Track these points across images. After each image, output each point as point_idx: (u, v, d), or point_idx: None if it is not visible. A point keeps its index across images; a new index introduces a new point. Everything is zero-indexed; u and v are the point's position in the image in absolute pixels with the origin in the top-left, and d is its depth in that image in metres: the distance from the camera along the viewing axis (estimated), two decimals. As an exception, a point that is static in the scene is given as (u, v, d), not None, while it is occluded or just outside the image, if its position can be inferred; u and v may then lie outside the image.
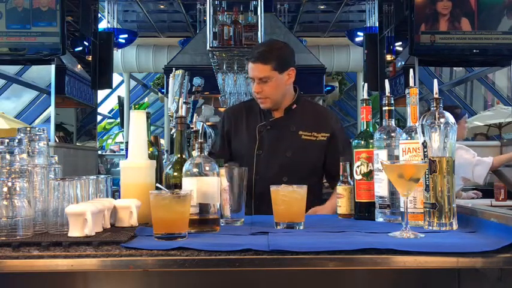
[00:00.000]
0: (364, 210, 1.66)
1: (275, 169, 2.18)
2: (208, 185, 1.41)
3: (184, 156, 1.52)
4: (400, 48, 7.06)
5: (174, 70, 2.42)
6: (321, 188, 2.40)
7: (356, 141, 1.69)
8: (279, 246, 1.13)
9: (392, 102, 1.65)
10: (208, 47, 5.53)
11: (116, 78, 10.74)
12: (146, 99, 15.92)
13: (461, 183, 3.81)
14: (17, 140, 1.36)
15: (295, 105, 2.28)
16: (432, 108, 1.39)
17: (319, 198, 2.27)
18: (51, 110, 6.18)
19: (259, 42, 5.13)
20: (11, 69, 7.68)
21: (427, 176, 1.37)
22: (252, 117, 2.31)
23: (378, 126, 2.17)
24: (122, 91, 12.37)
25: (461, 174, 3.67)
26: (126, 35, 9.62)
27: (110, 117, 14.59)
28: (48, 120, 7.82)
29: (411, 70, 1.76)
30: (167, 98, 5.17)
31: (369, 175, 1.64)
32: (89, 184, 1.43)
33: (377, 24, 7.72)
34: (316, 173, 2.28)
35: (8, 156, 1.30)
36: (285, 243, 1.16)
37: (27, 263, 1.10)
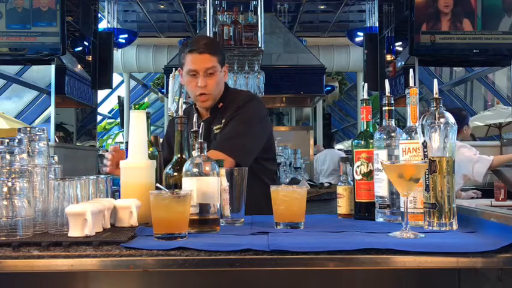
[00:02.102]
0: (364, 210, 1.65)
1: None
2: (208, 185, 1.41)
3: (184, 156, 1.52)
4: (400, 48, 7.06)
5: (174, 70, 2.42)
6: (272, 170, 2.28)
7: (356, 141, 1.69)
8: (279, 246, 1.13)
9: (392, 102, 1.64)
10: (208, 47, 5.53)
11: (116, 78, 10.75)
12: (146, 99, 15.92)
13: (461, 182, 3.82)
14: (17, 140, 1.36)
15: (221, 104, 2.19)
16: (432, 108, 1.39)
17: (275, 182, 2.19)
18: (51, 110, 6.18)
19: (259, 42, 5.12)
20: (11, 69, 7.68)
21: (427, 176, 1.37)
22: (189, 124, 2.20)
23: (378, 126, 2.18)
24: (122, 91, 12.38)
25: (462, 171, 3.68)
26: (126, 35, 9.62)
27: (110, 117, 14.60)
28: (48, 120, 7.82)
29: (411, 70, 1.76)
30: (167, 98, 5.17)
31: (369, 175, 1.64)
32: (89, 184, 1.43)
33: (377, 24, 7.73)
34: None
35: (8, 156, 1.30)
36: (285, 243, 1.16)
37: (27, 263, 1.10)
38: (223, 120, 2.14)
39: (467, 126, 4.12)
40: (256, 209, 1.74)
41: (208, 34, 5.56)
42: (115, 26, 9.07)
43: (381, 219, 1.58)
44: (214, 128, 2.15)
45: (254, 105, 2.18)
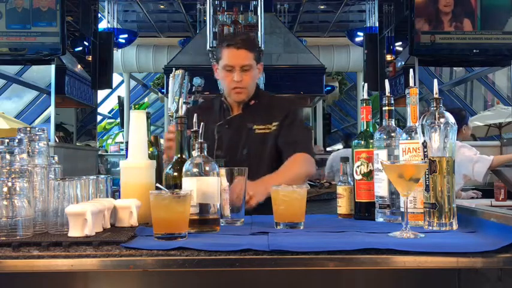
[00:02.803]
0: (364, 210, 1.65)
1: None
2: (208, 185, 1.41)
3: (184, 156, 1.52)
4: (400, 48, 7.06)
5: (174, 70, 2.42)
6: None
7: (356, 141, 1.69)
8: (279, 246, 1.13)
9: (392, 102, 1.64)
10: (208, 47, 5.54)
11: (116, 78, 10.75)
12: (146, 99, 15.92)
13: (462, 182, 3.82)
14: (17, 140, 1.36)
15: (253, 101, 2.23)
16: (432, 108, 1.39)
17: None
18: (51, 110, 6.19)
19: (259, 42, 5.12)
20: (11, 69, 7.68)
21: (427, 176, 1.37)
22: (211, 117, 2.23)
23: (378, 126, 2.18)
24: (122, 91, 12.38)
25: (462, 171, 3.68)
26: (126, 35, 9.63)
27: (110, 117, 14.60)
28: (48, 120, 7.82)
29: (411, 70, 1.76)
30: (167, 98, 5.17)
31: (369, 175, 1.64)
32: (89, 184, 1.43)
33: (377, 24, 7.74)
34: (277, 166, 2.13)
35: (8, 156, 1.30)
36: (285, 243, 1.16)
37: (27, 263, 1.10)
38: (274, 123, 2.17)
39: (467, 126, 4.12)
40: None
41: (208, 34, 5.57)
42: (115, 26, 9.08)
43: (381, 219, 1.58)
44: (256, 127, 2.18)
45: (299, 109, 2.39)
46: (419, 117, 1.43)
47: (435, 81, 1.45)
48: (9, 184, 1.26)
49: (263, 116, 2.20)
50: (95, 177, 1.50)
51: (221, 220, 1.50)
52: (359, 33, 8.98)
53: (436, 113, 1.37)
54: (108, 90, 10.54)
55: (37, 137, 1.44)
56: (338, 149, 7.17)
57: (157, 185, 1.51)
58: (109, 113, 14.71)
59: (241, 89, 2.15)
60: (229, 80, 2.16)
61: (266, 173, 2.02)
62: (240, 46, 2.12)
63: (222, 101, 2.27)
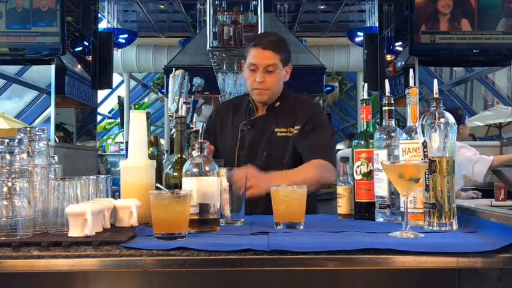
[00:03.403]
0: (364, 210, 1.65)
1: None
2: (208, 185, 1.41)
3: (184, 156, 1.52)
4: (400, 48, 7.06)
5: (174, 70, 2.42)
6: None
7: (356, 141, 1.69)
8: (279, 246, 1.13)
9: (392, 102, 1.64)
10: (208, 47, 5.54)
11: (116, 78, 10.75)
12: (146, 99, 15.92)
13: (462, 182, 3.82)
14: (17, 140, 1.36)
15: (278, 103, 2.20)
16: (432, 108, 1.39)
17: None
18: (51, 110, 6.19)
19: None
20: (11, 69, 7.68)
21: (427, 176, 1.37)
22: (237, 115, 2.23)
23: (378, 126, 2.17)
24: (122, 91, 12.38)
25: (463, 171, 3.68)
26: (126, 35, 9.62)
27: (110, 117, 14.60)
28: (48, 120, 7.82)
29: (411, 70, 1.76)
30: (167, 98, 5.16)
31: (369, 175, 1.64)
32: (89, 184, 1.43)
33: (377, 24, 7.73)
34: (293, 167, 2.09)
35: (8, 156, 1.30)
36: (285, 243, 1.16)
37: (27, 263, 1.10)
38: (295, 127, 2.13)
39: (464, 126, 4.11)
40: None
41: (208, 34, 5.57)
42: (115, 26, 9.08)
43: (381, 219, 1.58)
44: (278, 130, 2.14)
45: (323, 112, 2.31)
46: (419, 117, 1.43)
47: (435, 81, 1.45)
48: (9, 184, 1.26)
49: (286, 118, 2.16)
50: (95, 177, 1.50)
51: (221, 220, 1.50)
52: (359, 33, 8.98)
53: (436, 113, 1.37)
54: (108, 90, 10.53)
55: (37, 137, 1.44)
56: (338, 149, 7.17)
57: (157, 185, 1.51)
58: (109, 113, 14.71)
59: (263, 90, 2.12)
60: (251, 80, 2.13)
61: None
62: (266, 47, 2.10)
63: (249, 101, 2.24)
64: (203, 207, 1.40)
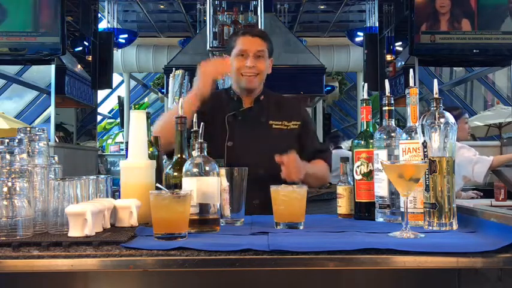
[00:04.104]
0: (364, 210, 1.65)
1: (249, 161, 1.98)
2: (208, 185, 1.41)
3: (184, 156, 1.52)
4: (400, 48, 7.06)
5: (174, 70, 2.42)
6: None
7: (356, 141, 1.69)
8: (279, 246, 1.13)
9: (392, 102, 1.65)
10: (208, 47, 5.53)
11: (116, 78, 10.75)
12: (146, 99, 15.92)
13: (461, 183, 3.81)
14: (17, 140, 1.36)
15: (262, 96, 2.24)
16: (432, 108, 1.39)
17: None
18: (51, 110, 6.18)
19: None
20: (11, 69, 7.67)
21: (427, 176, 1.37)
22: (221, 107, 2.21)
23: (378, 126, 2.18)
24: (122, 91, 12.38)
25: (462, 172, 3.68)
26: (126, 35, 9.62)
27: (110, 117, 14.59)
28: (48, 120, 7.82)
29: (411, 70, 1.76)
30: (167, 98, 5.17)
31: (369, 175, 1.64)
32: (89, 184, 1.43)
33: (377, 24, 7.73)
34: None
35: (8, 156, 1.30)
36: (285, 243, 1.16)
37: (27, 263, 1.10)
38: (294, 122, 2.22)
39: (462, 120, 4.09)
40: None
41: (208, 34, 5.56)
42: (115, 26, 9.07)
43: (381, 219, 1.58)
44: (272, 122, 2.19)
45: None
46: (419, 117, 1.43)
47: (435, 81, 1.45)
48: (9, 184, 1.26)
49: (276, 112, 2.22)
50: (95, 177, 1.50)
51: (221, 220, 1.50)
52: (359, 33, 8.97)
53: (436, 113, 1.37)
54: (108, 90, 10.53)
55: (37, 137, 1.44)
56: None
57: (157, 185, 1.51)
58: (109, 113, 14.70)
59: (254, 75, 2.15)
60: (241, 66, 2.15)
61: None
62: (255, 35, 2.20)
63: (231, 93, 2.25)
64: (203, 207, 1.41)
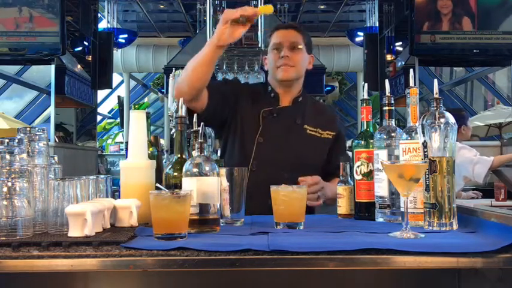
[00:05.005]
0: (364, 210, 1.65)
1: (277, 161, 2.04)
2: (208, 185, 1.41)
3: (184, 156, 1.52)
4: (400, 48, 7.06)
5: (174, 70, 2.42)
6: None
7: (356, 141, 1.69)
8: (279, 246, 1.13)
9: (393, 102, 1.64)
10: (208, 47, 5.52)
11: (116, 78, 10.75)
12: (146, 99, 15.92)
13: (462, 183, 3.82)
14: (17, 140, 1.36)
15: (301, 98, 2.19)
16: (432, 108, 1.39)
17: None
18: (51, 110, 6.18)
19: (259, 42, 5.11)
20: (11, 69, 7.67)
21: (427, 176, 1.37)
22: (257, 101, 2.14)
23: (378, 126, 2.18)
24: (122, 91, 12.37)
25: (463, 172, 3.68)
26: (126, 35, 9.61)
27: (110, 117, 14.60)
28: (48, 120, 7.82)
29: (411, 70, 1.76)
30: (167, 98, 5.16)
31: (369, 175, 1.64)
32: (89, 184, 1.43)
33: (377, 24, 7.73)
34: (318, 171, 2.10)
35: (8, 156, 1.30)
36: (285, 243, 1.16)
37: (27, 263, 1.10)
38: (328, 132, 2.15)
39: (466, 127, 4.12)
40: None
41: (208, 34, 5.57)
42: (115, 26, 9.07)
43: (381, 219, 1.58)
44: (307, 127, 2.14)
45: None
46: (420, 117, 1.43)
47: (435, 81, 1.45)
48: (9, 184, 1.26)
49: (312, 117, 2.17)
50: (95, 177, 1.50)
51: (221, 220, 1.50)
52: (359, 33, 8.97)
53: (436, 113, 1.37)
54: (108, 90, 10.53)
55: (37, 137, 1.44)
56: None
57: (157, 185, 1.51)
58: (109, 113, 14.70)
59: (289, 67, 2.09)
60: (276, 58, 2.11)
61: (309, 174, 1.97)
62: (289, 27, 2.16)
63: (269, 89, 2.19)
64: (203, 207, 1.40)
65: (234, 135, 2.14)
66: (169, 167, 1.53)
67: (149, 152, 1.64)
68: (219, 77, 5.56)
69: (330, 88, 11.66)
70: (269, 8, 1.77)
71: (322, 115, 2.22)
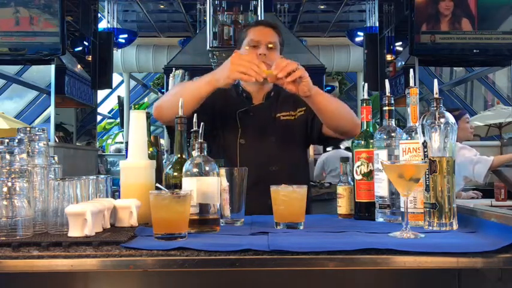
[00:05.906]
0: (364, 210, 1.65)
1: (262, 158, 2.04)
2: (208, 185, 1.41)
3: (184, 156, 1.52)
4: (400, 48, 7.06)
5: (174, 70, 2.42)
6: (309, 173, 2.31)
7: (356, 141, 1.69)
8: (279, 246, 1.13)
9: (393, 102, 1.64)
10: (208, 47, 5.54)
11: (116, 78, 10.76)
12: (146, 99, 15.92)
13: (462, 183, 3.82)
14: (17, 140, 1.36)
15: (272, 92, 2.19)
16: (432, 108, 1.39)
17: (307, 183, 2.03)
18: (51, 110, 6.19)
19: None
20: (11, 69, 7.68)
21: (427, 176, 1.37)
22: (232, 103, 2.12)
23: (378, 126, 2.18)
24: (122, 91, 12.39)
25: (463, 172, 3.68)
26: (126, 35, 9.63)
27: (109, 117, 14.60)
28: (48, 120, 7.83)
29: (411, 70, 1.76)
30: (167, 98, 5.13)
31: (369, 175, 1.64)
32: (89, 184, 1.43)
33: (377, 24, 7.73)
34: (303, 155, 2.16)
35: (8, 156, 1.30)
36: (285, 243, 1.16)
37: (27, 263, 1.10)
38: (298, 109, 2.13)
39: (462, 120, 4.09)
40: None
41: (208, 34, 5.57)
42: (115, 26, 9.08)
43: (381, 219, 1.58)
44: (279, 114, 2.13)
45: None
46: (420, 117, 1.42)
47: (435, 81, 1.45)
48: (9, 184, 1.26)
49: (285, 105, 2.16)
50: (95, 177, 1.50)
51: (221, 220, 1.50)
52: (359, 33, 8.98)
53: (436, 113, 1.37)
54: (108, 90, 10.55)
55: (37, 137, 1.44)
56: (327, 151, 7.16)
57: (157, 185, 1.51)
58: (109, 113, 14.71)
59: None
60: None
61: (296, 161, 1.98)
62: (268, 25, 2.14)
63: (241, 89, 2.18)
64: (203, 207, 1.40)
65: (218, 141, 2.13)
66: (169, 167, 1.52)
67: (149, 152, 1.64)
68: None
69: (330, 88, 11.67)
70: (270, 72, 1.83)
71: (290, 97, 2.14)
